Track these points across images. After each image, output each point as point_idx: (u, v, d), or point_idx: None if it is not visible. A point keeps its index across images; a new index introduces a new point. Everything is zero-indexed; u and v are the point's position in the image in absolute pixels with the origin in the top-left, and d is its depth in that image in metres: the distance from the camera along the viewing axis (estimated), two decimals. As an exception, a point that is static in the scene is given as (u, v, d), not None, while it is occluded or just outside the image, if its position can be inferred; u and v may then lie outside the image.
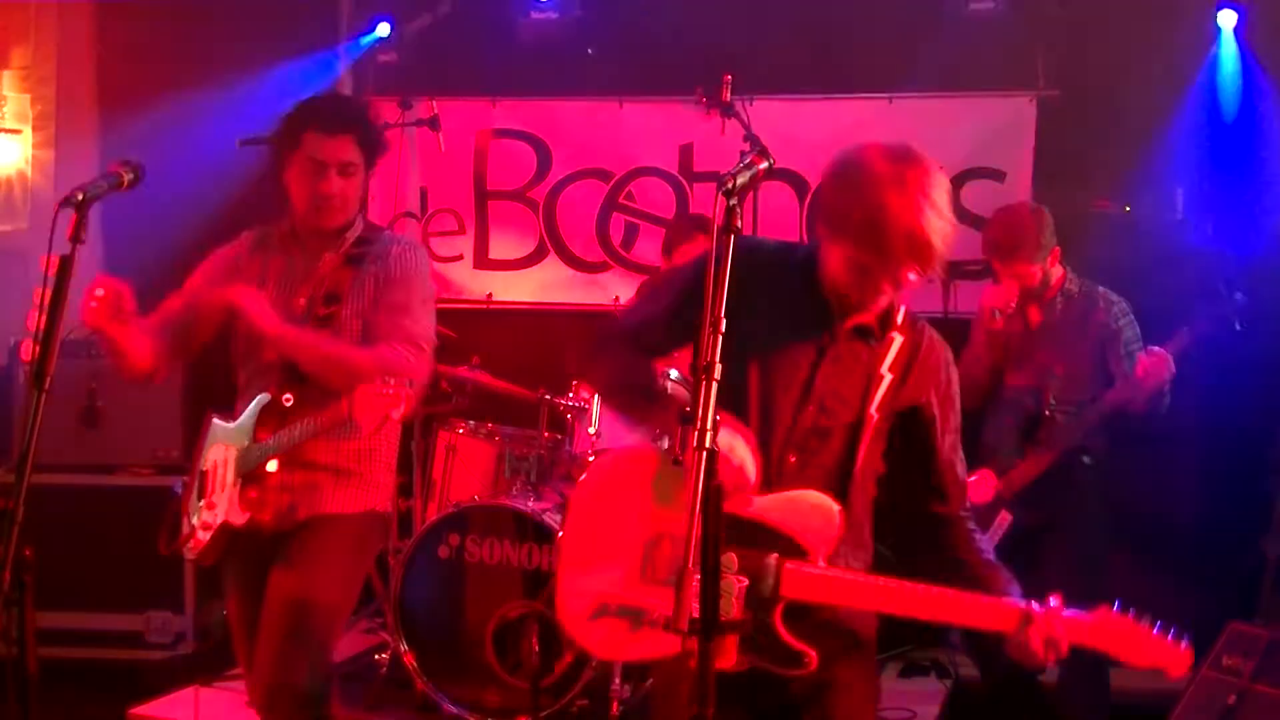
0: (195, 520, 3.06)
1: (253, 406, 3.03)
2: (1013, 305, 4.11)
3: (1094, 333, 4.12)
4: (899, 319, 2.42)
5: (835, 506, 2.29)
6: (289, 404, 3.00)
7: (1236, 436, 4.68)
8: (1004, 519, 4.09)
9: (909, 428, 2.45)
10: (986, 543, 2.49)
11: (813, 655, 2.25)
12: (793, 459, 2.36)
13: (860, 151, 2.30)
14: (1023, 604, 2.24)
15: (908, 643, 5.05)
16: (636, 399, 2.46)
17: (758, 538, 2.28)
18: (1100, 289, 4.19)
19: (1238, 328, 3.99)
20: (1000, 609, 2.25)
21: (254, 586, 3.04)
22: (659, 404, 2.42)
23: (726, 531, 2.15)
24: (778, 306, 2.38)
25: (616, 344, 2.54)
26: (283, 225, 3.14)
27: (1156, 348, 3.95)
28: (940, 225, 2.24)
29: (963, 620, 2.31)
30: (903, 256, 2.22)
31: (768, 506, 2.30)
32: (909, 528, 2.52)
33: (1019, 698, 4.34)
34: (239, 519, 2.99)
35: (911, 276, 2.26)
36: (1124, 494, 4.21)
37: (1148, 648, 2.25)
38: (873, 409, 2.36)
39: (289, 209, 3.11)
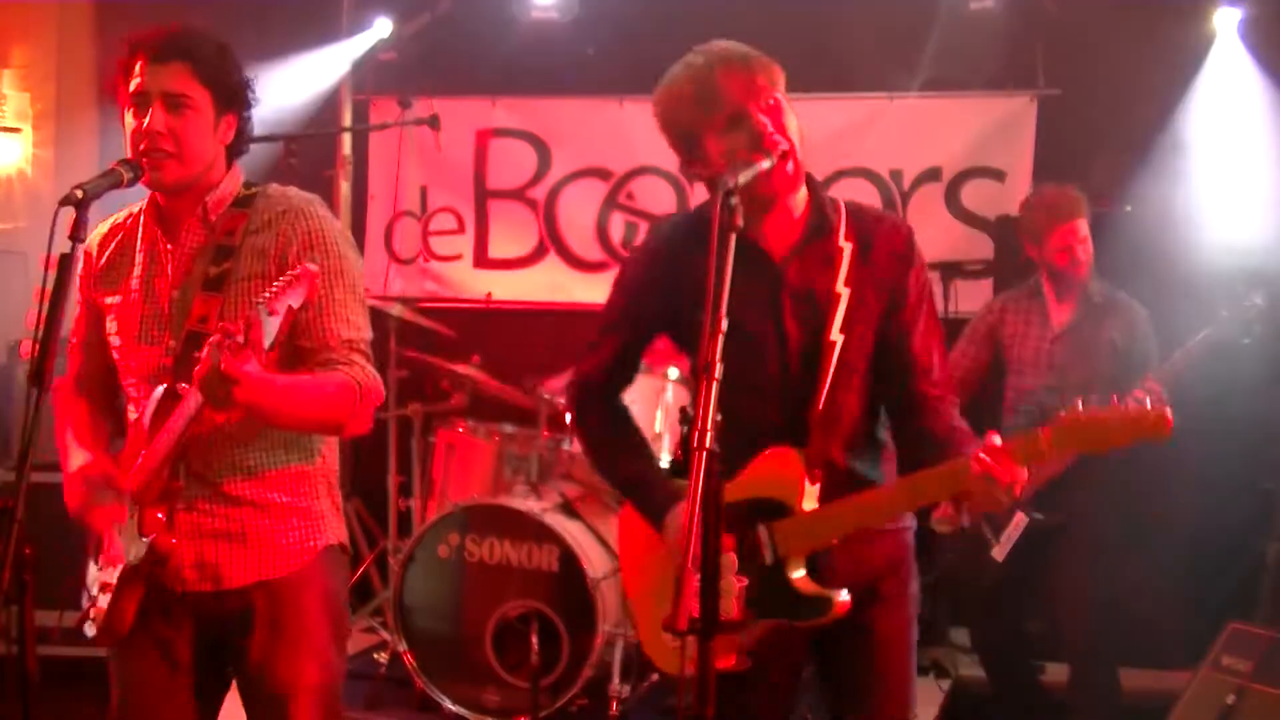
0: (94, 586, 2.44)
1: (148, 407, 2.40)
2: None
3: (1110, 339, 4.12)
4: (841, 226, 2.37)
5: (790, 450, 2.30)
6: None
7: (1237, 436, 4.67)
8: (1019, 520, 4.08)
9: (886, 308, 2.38)
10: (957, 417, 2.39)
11: (838, 596, 2.26)
12: (816, 412, 2.33)
13: None
14: (962, 459, 2.16)
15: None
16: (636, 498, 2.51)
17: (743, 519, 2.30)
18: (1121, 295, 4.18)
19: (1257, 329, 3.99)
20: (950, 473, 2.18)
21: (168, 675, 2.48)
22: (646, 492, 2.47)
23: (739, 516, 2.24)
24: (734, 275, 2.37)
25: (593, 413, 2.59)
26: (145, 204, 2.54)
27: (1152, 385, 3.91)
28: (736, 59, 2.42)
29: (928, 498, 2.29)
30: (728, 100, 2.35)
31: (737, 485, 2.30)
32: (896, 422, 2.46)
33: (1020, 698, 4.34)
34: (139, 552, 2.34)
35: (765, 120, 2.30)
36: (1125, 493, 4.21)
37: (1117, 425, 2.09)
38: (832, 334, 2.33)
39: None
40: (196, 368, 2.12)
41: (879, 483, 2.42)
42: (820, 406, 2.32)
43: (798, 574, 2.29)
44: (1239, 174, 4.93)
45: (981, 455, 2.11)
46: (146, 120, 2.37)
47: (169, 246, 2.48)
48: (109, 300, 2.52)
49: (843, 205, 2.42)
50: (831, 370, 2.32)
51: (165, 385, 2.37)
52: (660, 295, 2.48)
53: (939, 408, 2.37)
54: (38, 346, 2.16)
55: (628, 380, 2.61)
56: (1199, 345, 3.97)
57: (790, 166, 2.29)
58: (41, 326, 2.17)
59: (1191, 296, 4.35)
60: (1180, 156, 5.02)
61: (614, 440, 2.58)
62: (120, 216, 2.59)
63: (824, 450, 2.33)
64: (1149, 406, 2.07)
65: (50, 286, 2.20)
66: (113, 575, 2.38)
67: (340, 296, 2.42)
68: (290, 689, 2.44)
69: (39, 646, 2.32)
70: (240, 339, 2.05)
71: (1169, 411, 2.05)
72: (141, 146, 2.38)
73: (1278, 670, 3.73)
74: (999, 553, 4.11)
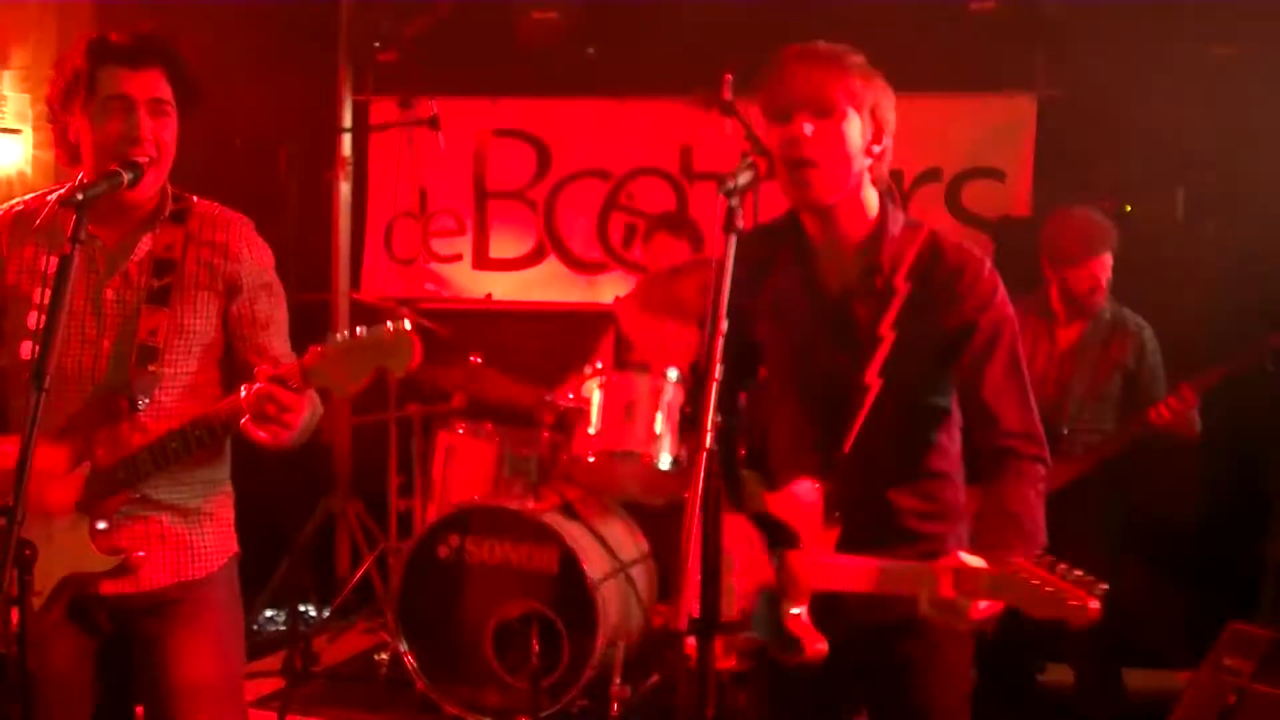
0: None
1: (87, 415, 2.42)
2: None
3: (1118, 360, 4.12)
4: (907, 264, 2.28)
5: (816, 484, 2.26)
6: (144, 407, 2.41)
7: (1237, 436, 4.67)
8: None
9: (947, 354, 2.28)
10: (1029, 487, 2.26)
11: (813, 644, 2.22)
12: (842, 453, 2.28)
13: None
14: (930, 567, 2.08)
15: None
16: None
17: (777, 535, 2.29)
18: (1127, 312, 4.19)
19: (1270, 368, 3.99)
20: (917, 575, 2.10)
21: (82, 671, 2.52)
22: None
23: (766, 532, 2.24)
24: (774, 292, 2.36)
25: None
26: (65, 190, 2.51)
27: (1185, 393, 3.92)
28: (811, 60, 2.28)
29: (899, 591, 2.17)
30: (783, 96, 2.24)
31: (773, 500, 2.31)
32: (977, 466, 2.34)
33: (1019, 698, 4.34)
34: (98, 564, 2.38)
35: (807, 128, 2.20)
36: (1126, 499, 4.21)
37: (1045, 599, 1.98)
38: (869, 375, 2.26)
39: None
40: (248, 397, 2.23)
41: (924, 526, 2.34)
42: (847, 449, 2.28)
43: (793, 609, 2.24)
44: (1238, 174, 4.92)
45: (948, 587, 2.03)
46: (136, 127, 2.39)
47: (99, 243, 2.48)
48: (31, 291, 2.48)
49: (922, 241, 2.30)
50: (865, 414, 2.26)
51: (120, 395, 2.41)
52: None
53: (1004, 462, 2.25)
54: (38, 348, 2.16)
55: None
56: (1214, 374, 3.96)
57: (806, 181, 2.23)
58: (41, 328, 2.17)
59: (1191, 297, 4.35)
60: (1180, 157, 5.02)
61: None
62: (30, 200, 2.57)
63: (851, 491, 2.25)
64: (1086, 602, 1.94)
65: (50, 288, 2.20)
66: (42, 581, 2.34)
67: (280, 318, 2.59)
68: (195, 684, 2.50)
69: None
70: (295, 384, 2.20)
71: (1097, 606, 1.95)
72: (125, 153, 2.38)
73: (1278, 670, 3.72)
74: None
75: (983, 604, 2.04)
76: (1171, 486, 4.71)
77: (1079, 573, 1.95)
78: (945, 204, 5.59)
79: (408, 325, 2.17)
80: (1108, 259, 4.10)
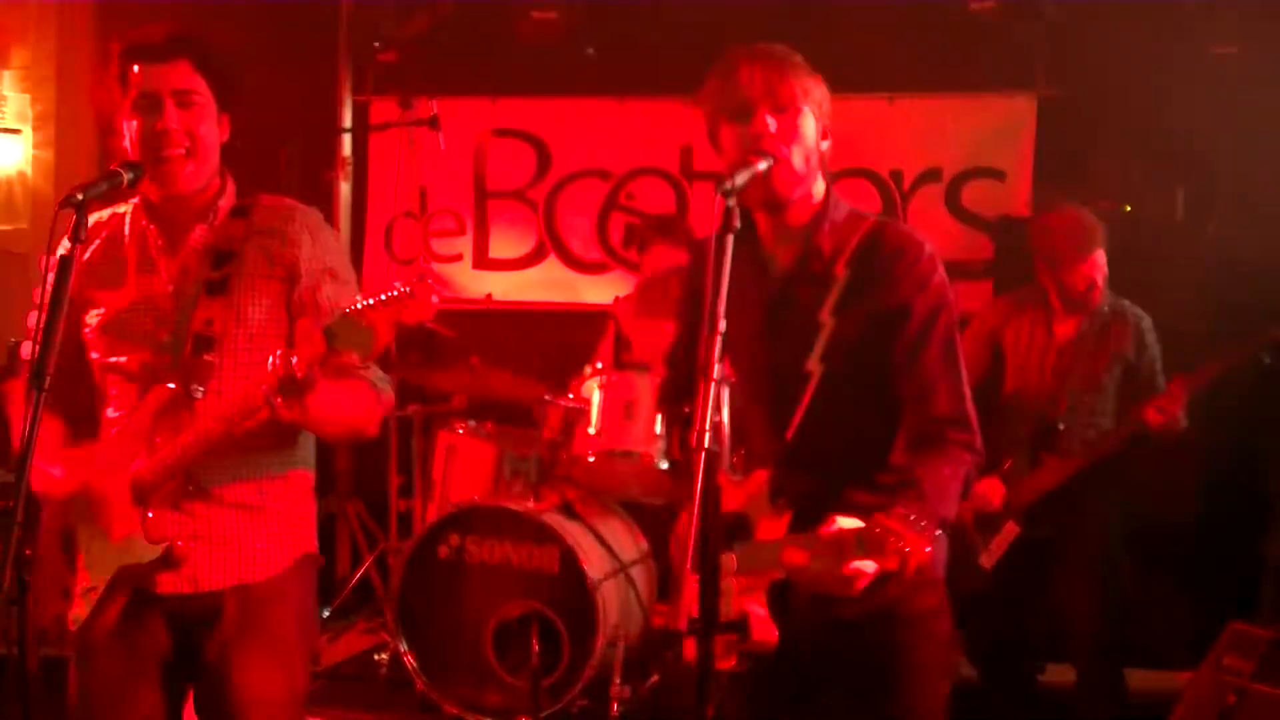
0: (74, 586, 2.41)
1: (145, 407, 2.40)
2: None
3: (1117, 351, 4.11)
4: (848, 252, 2.28)
5: (764, 474, 2.26)
6: (199, 396, 2.38)
7: (1237, 436, 4.68)
8: (1011, 529, 4.08)
9: (885, 338, 2.25)
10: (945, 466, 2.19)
11: (756, 631, 2.19)
12: (784, 442, 2.29)
13: None
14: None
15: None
16: None
17: (737, 526, 2.29)
18: (1126, 304, 4.17)
19: (1267, 361, 3.98)
20: (805, 545, 2.07)
21: (133, 677, 2.44)
22: None
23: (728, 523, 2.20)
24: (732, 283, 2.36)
25: None
26: (135, 201, 2.55)
27: (1175, 391, 3.93)
28: (765, 58, 2.25)
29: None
30: (741, 94, 2.23)
31: (734, 495, 2.30)
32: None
33: (1019, 698, 4.34)
34: (147, 553, 2.32)
35: (771, 123, 2.21)
36: (1125, 497, 4.21)
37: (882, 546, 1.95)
38: (810, 363, 2.25)
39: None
40: (269, 371, 2.14)
41: None
42: (789, 436, 2.27)
43: (746, 595, 2.21)
44: (1238, 174, 4.93)
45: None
46: (161, 120, 2.38)
47: (161, 243, 2.50)
48: (95, 294, 2.52)
49: (866, 229, 2.30)
50: (806, 402, 2.26)
51: (174, 385, 2.38)
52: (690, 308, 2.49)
53: (927, 442, 2.20)
54: (38, 348, 2.16)
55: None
56: (1210, 368, 3.96)
57: (778, 175, 2.23)
58: (41, 328, 2.17)
59: (1190, 296, 4.35)
60: (1180, 157, 5.02)
61: None
62: (104, 214, 2.57)
63: (799, 480, 2.24)
64: (918, 547, 1.92)
65: (50, 288, 2.21)
66: (100, 572, 2.35)
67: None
68: (256, 699, 2.42)
69: (39, 647, 2.33)
70: (319, 342, 2.09)
71: (919, 555, 1.92)
72: (158, 147, 2.39)
73: (1278, 670, 3.72)
74: (987, 560, 4.12)
75: (854, 564, 1.97)
76: (1171, 486, 4.72)
77: (922, 521, 1.98)
78: (945, 204, 5.59)
79: (425, 279, 2.12)
80: (1100, 256, 4.09)
